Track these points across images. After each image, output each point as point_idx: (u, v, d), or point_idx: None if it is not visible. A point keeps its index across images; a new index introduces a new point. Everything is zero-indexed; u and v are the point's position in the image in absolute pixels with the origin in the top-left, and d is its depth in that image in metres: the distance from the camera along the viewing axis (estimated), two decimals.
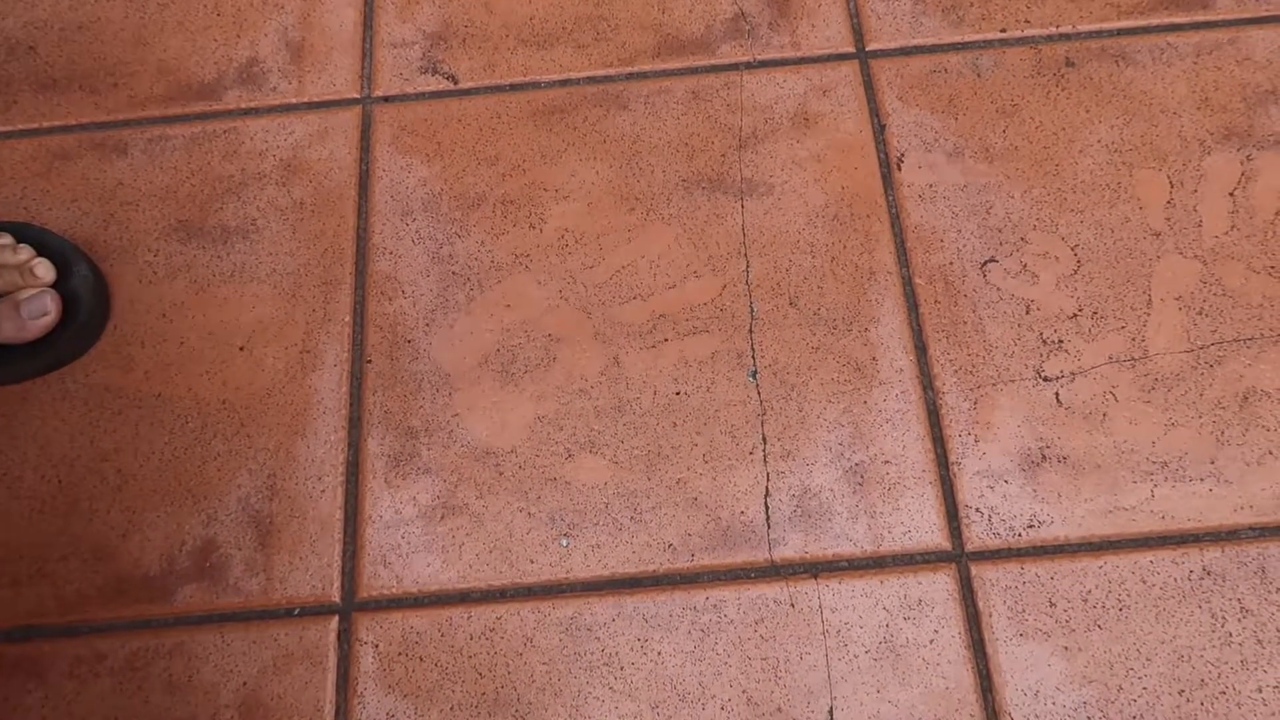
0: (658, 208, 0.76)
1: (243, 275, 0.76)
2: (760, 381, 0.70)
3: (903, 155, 0.78)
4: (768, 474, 0.68)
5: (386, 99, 0.82)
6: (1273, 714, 0.61)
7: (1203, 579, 0.64)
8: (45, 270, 0.70)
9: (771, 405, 0.70)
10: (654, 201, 0.77)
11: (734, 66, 0.82)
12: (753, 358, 0.71)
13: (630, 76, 0.82)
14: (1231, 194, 0.75)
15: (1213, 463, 0.67)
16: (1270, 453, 0.67)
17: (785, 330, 0.72)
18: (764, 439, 0.69)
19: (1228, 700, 0.61)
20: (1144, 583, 0.64)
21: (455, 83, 0.83)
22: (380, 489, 0.69)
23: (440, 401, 0.71)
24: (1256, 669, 0.62)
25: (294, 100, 0.82)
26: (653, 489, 0.68)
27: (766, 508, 0.67)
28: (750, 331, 0.72)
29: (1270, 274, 0.72)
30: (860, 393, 0.70)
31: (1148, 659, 0.62)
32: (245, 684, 0.64)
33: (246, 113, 0.82)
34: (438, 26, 0.85)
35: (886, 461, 0.68)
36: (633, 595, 0.65)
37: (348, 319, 0.74)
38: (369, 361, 0.72)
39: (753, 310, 0.73)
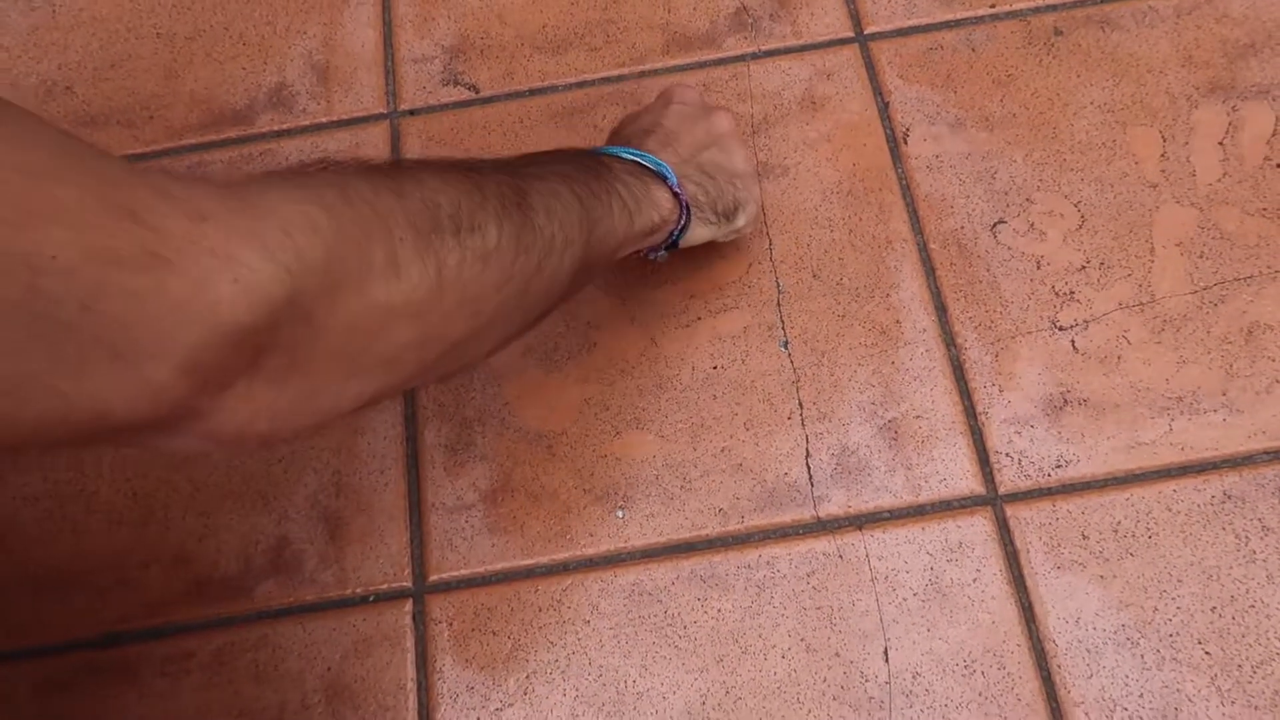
0: None
1: None
2: (792, 351, 0.74)
3: (908, 130, 0.82)
4: (806, 436, 0.72)
5: (412, 112, 0.86)
6: None
7: (1224, 503, 0.68)
8: None
9: (804, 372, 0.74)
10: None
11: (740, 58, 0.86)
12: (783, 329, 0.75)
13: (642, 74, 0.86)
14: (1221, 143, 0.79)
15: (1224, 394, 0.71)
16: (1278, 381, 0.71)
17: (811, 301, 0.76)
18: (800, 404, 0.73)
19: (1257, 613, 0.65)
20: (1169, 510, 0.68)
21: (477, 92, 0.87)
22: (440, 477, 0.72)
23: (490, 392, 0.75)
24: None
25: (324, 119, 0.86)
26: (699, 458, 0.72)
27: (808, 468, 0.71)
28: (778, 305, 0.76)
29: (1264, 216, 0.77)
30: (888, 354, 0.74)
31: (1179, 580, 0.66)
32: (330, 669, 0.68)
33: (280, 134, 0.86)
34: (455, 40, 0.89)
35: (918, 416, 0.72)
36: (689, 559, 0.69)
37: None
38: None
39: (779, 285, 0.77)
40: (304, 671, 0.68)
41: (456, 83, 0.88)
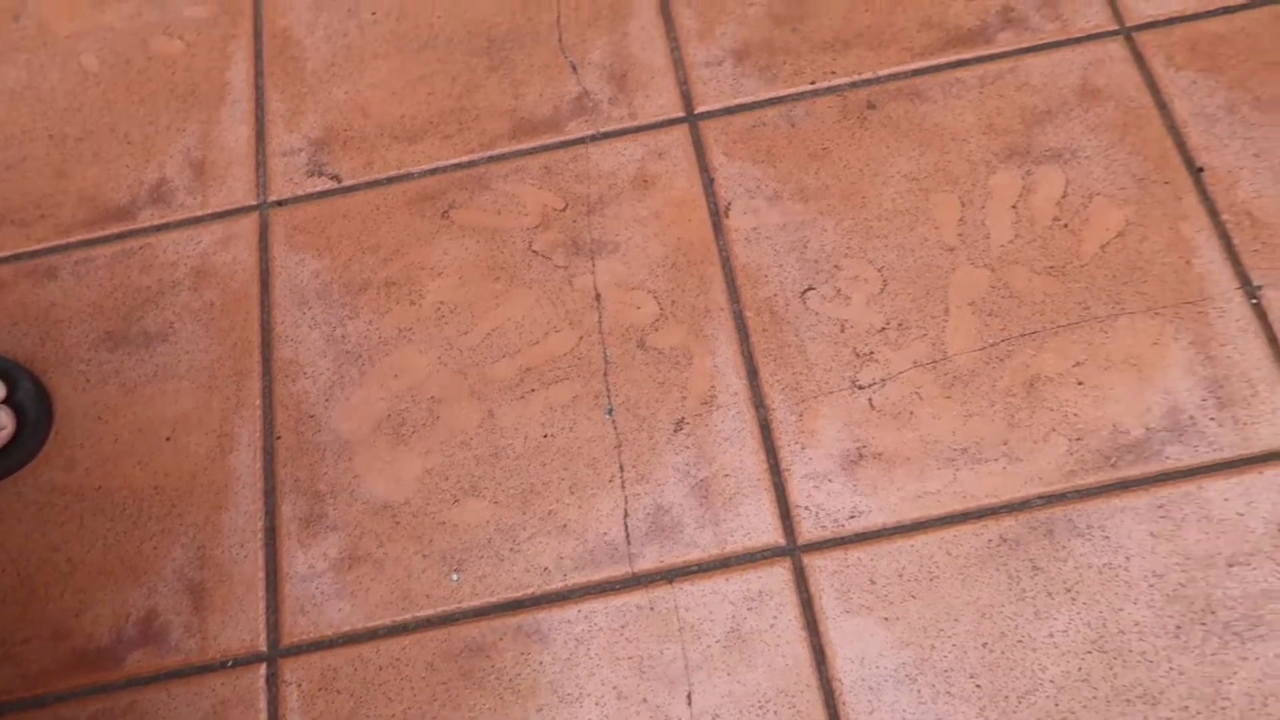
0: (520, 274, 0.87)
1: (165, 374, 0.87)
2: (616, 417, 0.81)
3: (730, 204, 0.89)
4: (626, 497, 0.78)
5: (280, 203, 0.93)
6: (1063, 655, 0.71)
7: (1000, 546, 0.74)
8: None
9: (627, 437, 0.80)
10: (517, 269, 0.88)
11: (580, 141, 0.93)
12: (609, 397, 0.82)
13: (491, 159, 0.93)
14: (1014, 206, 0.86)
15: (1005, 444, 0.78)
16: (1054, 430, 0.78)
17: (635, 370, 0.83)
18: (621, 467, 0.79)
19: (1024, 647, 0.71)
20: (950, 555, 0.74)
21: (339, 181, 0.94)
22: (295, 548, 0.79)
23: (342, 466, 0.82)
24: (1048, 618, 0.72)
25: (200, 213, 0.94)
26: (528, 521, 0.78)
27: (626, 527, 0.77)
28: (605, 375, 0.83)
29: (1049, 274, 0.83)
30: (702, 418, 0.81)
31: (955, 619, 0.72)
32: None
33: (159, 229, 0.93)
34: (321, 133, 0.96)
35: (727, 475, 0.78)
36: (515, 616, 0.75)
37: (258, 402, 0.85)
38: (278, 438, 0.83)
39: (606, 356, 0.83)
40: None
41: (321, 173, 0.95)
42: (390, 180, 0.93)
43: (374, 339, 0.86)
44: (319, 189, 0.94)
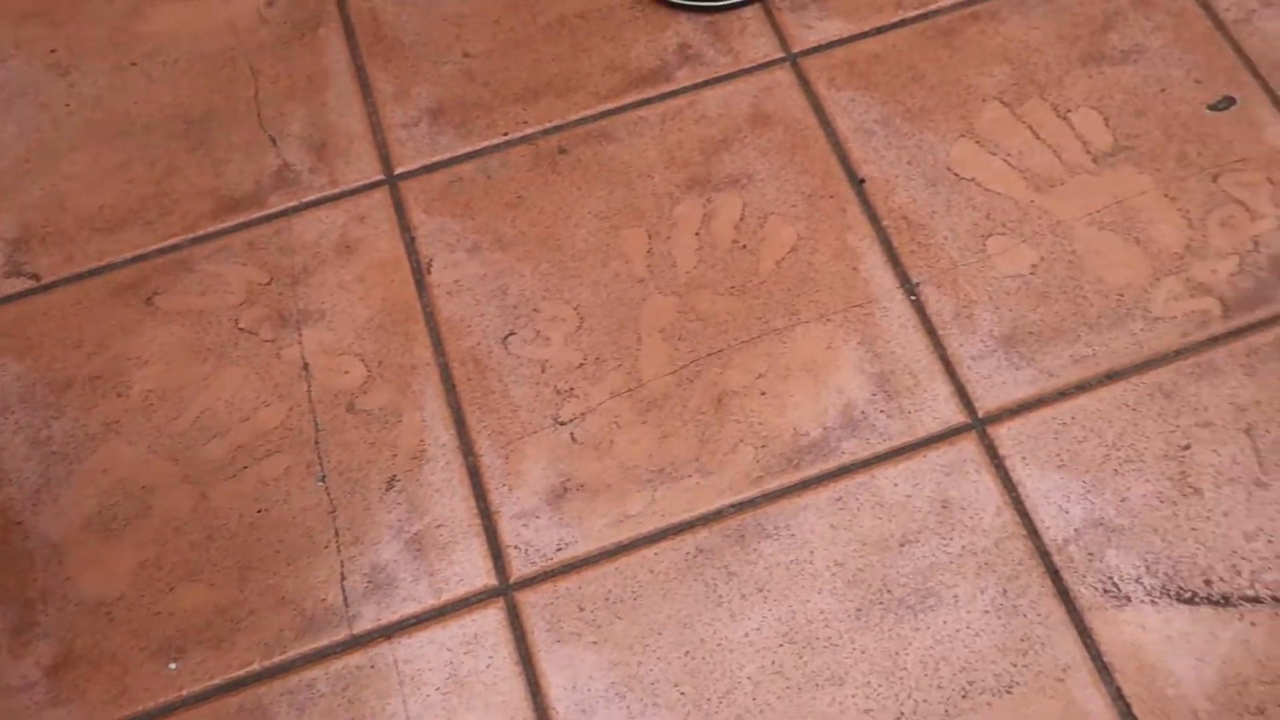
0: (228, 353, 0.88)
1: None
2: (329, 483, 0.83)
3: (431, 260, 0.92)
4: (342, 561, 0.80)
5: None
6: (758, 651, 0.76)
7: (697, 557, 0.79)
8: None
9: (340, 501, 0.82)
10: (224, 348, 0.88)
11: (283, 213, 0.95)
12: (320, 464, 0.83)
13: (194, 241, 0.94)
14: (697, 234, 0.92)
15: (698, 460, 0.83)
16: (741, 440, 0.83)
17: (346, 434, 0.84)
18: (336, 532, 0.81)
19: (723, 650, 0.76)
20: (652, 572, 0.79)
21: (39, 280, 0.93)
22: (6, 661, 0.78)
23: (52, 570, 0.81)
24: (743, 618, 0.77)
25: None
26: (246, 599, 0.79)
27: (344, 590, 0.79)
28: (316, 443, 0.84)
29: (731, 294, 0.89)
30: (413, 473, 0.83)
31: (659, 633, 0.77)
32: None
33: None
34: (17, 232, 0.95)
35: (440, 525, 0.81)
36: (236, 696, 0.76)
37: None
38: None
39: (317, 424, 0.85)
40: None
41: (19, 274, 0.93)
42: (91, 273, 0.93)
43: (81, 436, 0.85)
44: (17, 290, 0.92)
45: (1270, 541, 0.78)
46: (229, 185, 0.96)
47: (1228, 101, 0.96)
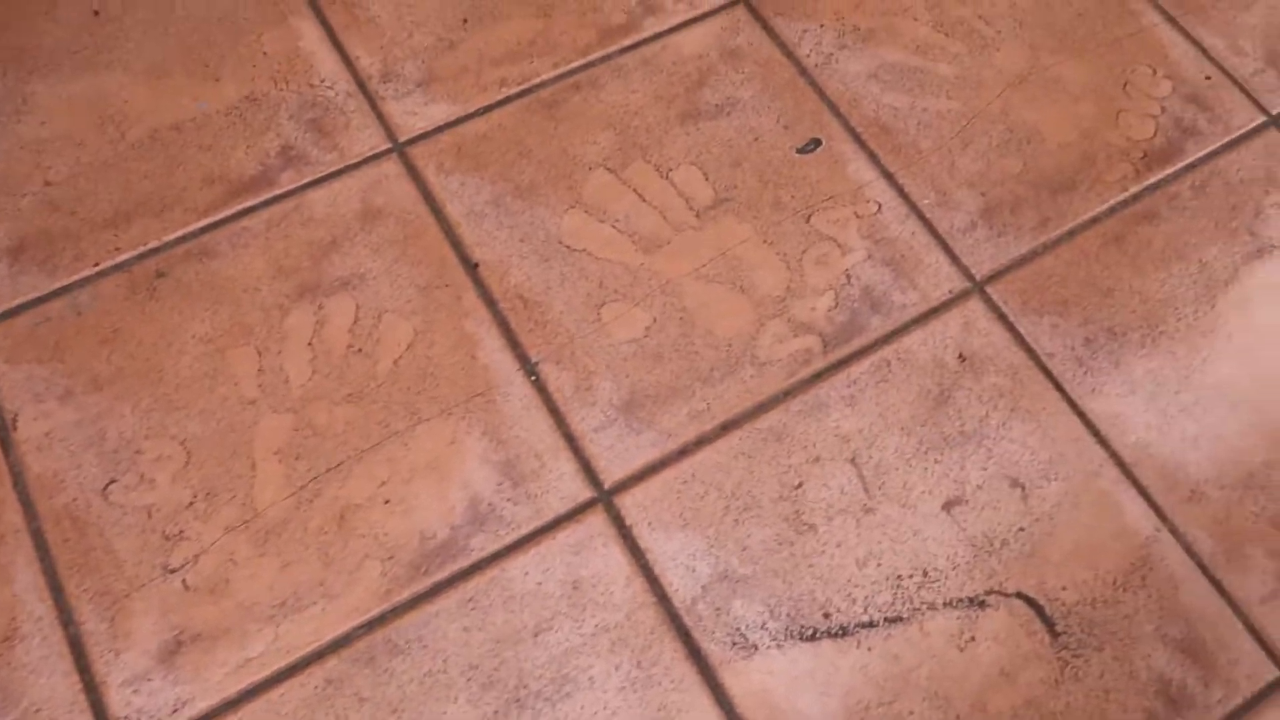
0: None
1: None
2: None
3: (17, 414, 0.85)
4: None
5: None
6: None
7: (326, 689, 0.76)
8: None
9: None
10: None
11: None
12: None
13: None
14: (310, 344, 0.89)
15: (322, 584, 0.79)
16: (367, 555, 0.80)
17: None
18: None
19: None
20: (279, 715, 0.74)
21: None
22: None
23: None
24: None
25: None
26: None
27: None
28: None
29: (349, 402, 0.86)
30: (4, 657, 0.75)
31: None
32: None
33: None
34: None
35: (38, 710, 0.74)
36: None
37: None
38: None
39: None
40: None
41: None
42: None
43: None
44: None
45: (879, 564, 0.82)
46: None
47: (814, 143, 1.02)
